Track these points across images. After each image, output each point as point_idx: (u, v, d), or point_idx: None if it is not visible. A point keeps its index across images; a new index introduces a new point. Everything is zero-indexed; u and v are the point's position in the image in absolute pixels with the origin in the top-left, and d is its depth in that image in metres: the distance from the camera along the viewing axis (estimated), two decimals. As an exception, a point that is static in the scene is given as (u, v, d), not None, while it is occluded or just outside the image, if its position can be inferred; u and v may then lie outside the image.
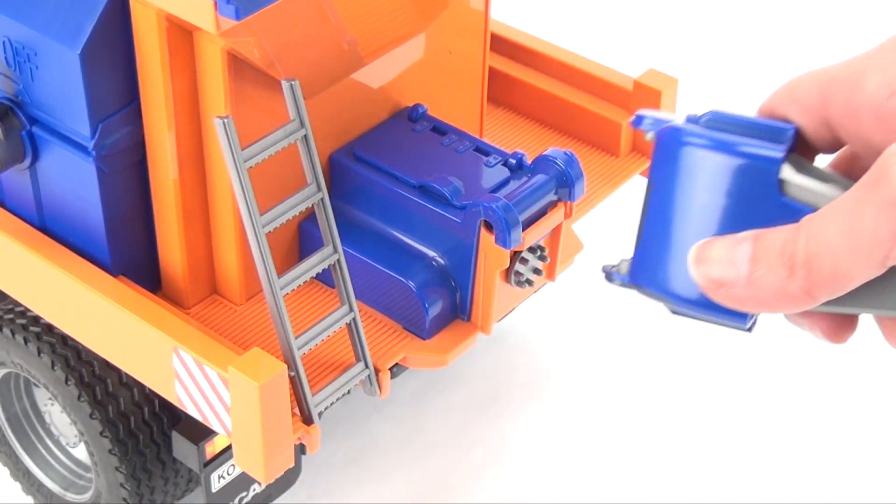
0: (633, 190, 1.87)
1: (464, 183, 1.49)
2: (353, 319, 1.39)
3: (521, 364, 1.96)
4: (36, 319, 1.57)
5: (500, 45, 1.85)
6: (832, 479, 1.82)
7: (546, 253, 1.49)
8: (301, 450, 1.49)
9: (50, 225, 1.52)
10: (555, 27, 2.59)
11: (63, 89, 1.38)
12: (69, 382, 1.53)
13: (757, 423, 1.89)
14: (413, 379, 1.93)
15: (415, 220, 1.49)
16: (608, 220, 2.03)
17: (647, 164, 1.76)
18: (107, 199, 1.44)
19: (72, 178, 1.44)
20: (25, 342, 1.56)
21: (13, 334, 1.57)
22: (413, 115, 1.59)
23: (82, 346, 1.52)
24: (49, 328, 1.56)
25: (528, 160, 1.52)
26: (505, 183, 1.49)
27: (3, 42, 1.41)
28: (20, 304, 1.58)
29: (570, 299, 2.06)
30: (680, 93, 1.79)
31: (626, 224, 2.13)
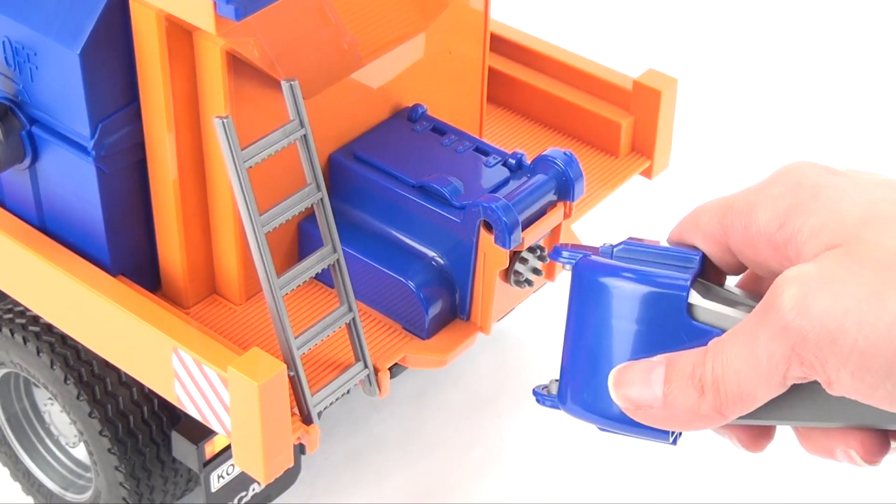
0: (633, 190, 1.87)
1: (463, 183, 1.49)
2: (353, 319, 1.39)
3: (521, 364, 1.96)
4: (35, 319, 1.57)
5: (500, 45, 1.85)
6: (832, 479, 1.82)
7: (545, 253, 1.49)
8: (300, 449, 1.49)
9: (49, 225, 1.52)
10: (554, 27, 2.59)
11: (63, 89, 1.38)
12: (68, 381, 1.53)
13: (756, 423, 1.89)
14: (412, 378, 1.93)
15: (414, 220, 1.49)
16: (608, 220, 2.03)
17: (647, 164, 1.76)
18: (106, 198, 1.44)
19: (71, 178, 1.44)
20: (24, 341, 1.56)
21: (12, 334, 1.57)
22: (413, 116, 1.59)
23: (81, 345, 1.52)
24: (48, 327, 1.56)
25: (528, 160, 1.52)
26: (504, 183, 1.49)
27: (3, 42, 1.41)
28: (19, 304, 1.58)
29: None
30: (679, 93, 1.79)
31: (625, 224, 2.13)
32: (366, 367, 1.42)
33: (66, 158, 1.43)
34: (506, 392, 1.92)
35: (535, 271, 1.47)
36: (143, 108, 1.40)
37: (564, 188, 1.47)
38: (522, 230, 1.42)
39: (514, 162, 1.51)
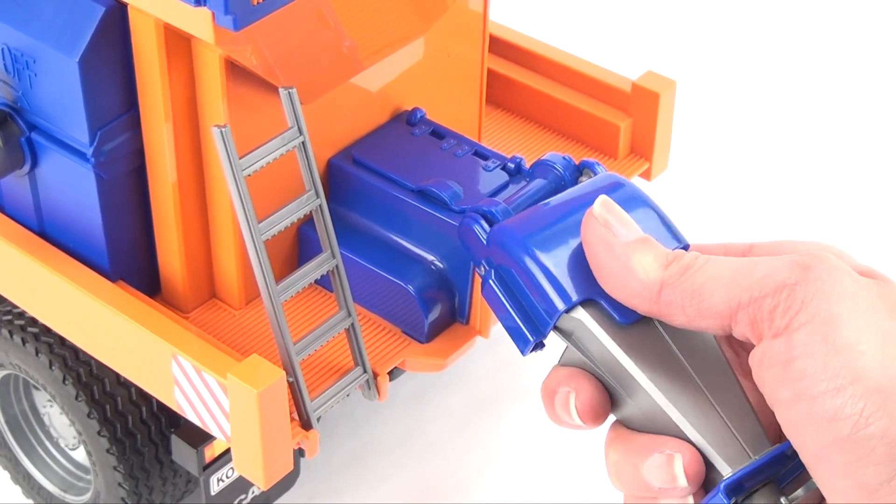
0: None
1: (462, 187, 1.49)
2: (352, 324, 1.39)
3: (520, 367, 1.96)
4: (34, 320, 1.57)
5: (499, 47, 1.85)
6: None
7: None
8: (300, 452, 1.49)
9: (49, 230, 1.52)
10: (553, 29, 2.59)
11: (62, 96, 1.38)
12: (67, 382, 1.53)
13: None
14: (412, 380, 1.93)
15: (413, 225, 1.49)
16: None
17: (646, 166, 1.76)
18: (105, 204, 1.44)
19: (71, 185, 1.44)
20: (23, 342, 1.56)
21: (11, 335, 1.57)
22: (412, 119, 1.59)
23: (80, 346, 1.53)
24: (47, 329, 1.56)
25: (527, 164, 1.52)
26: (504, 187, 1.49)
27: (3, 49, 1.41)
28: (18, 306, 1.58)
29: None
30: (678, 95, 1.79)
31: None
32: (365, 371, 1.42)
33: (65, 165, 1.43)
34: (505, 395, 1.92)
35: (534, 275, 1.47)
36: (142, 115, 1.40)
37: (563, 193, 1.47)
38: (521, 235, 1.42)
39: (513, 166, 1.51)
